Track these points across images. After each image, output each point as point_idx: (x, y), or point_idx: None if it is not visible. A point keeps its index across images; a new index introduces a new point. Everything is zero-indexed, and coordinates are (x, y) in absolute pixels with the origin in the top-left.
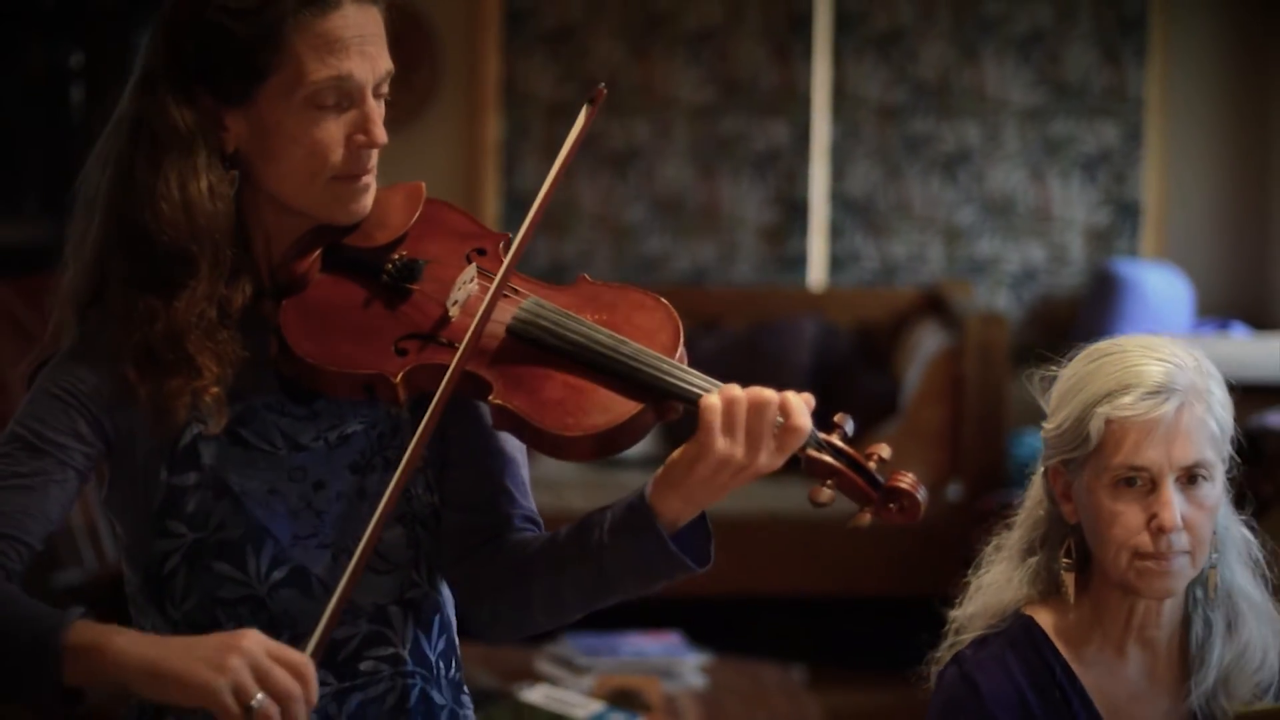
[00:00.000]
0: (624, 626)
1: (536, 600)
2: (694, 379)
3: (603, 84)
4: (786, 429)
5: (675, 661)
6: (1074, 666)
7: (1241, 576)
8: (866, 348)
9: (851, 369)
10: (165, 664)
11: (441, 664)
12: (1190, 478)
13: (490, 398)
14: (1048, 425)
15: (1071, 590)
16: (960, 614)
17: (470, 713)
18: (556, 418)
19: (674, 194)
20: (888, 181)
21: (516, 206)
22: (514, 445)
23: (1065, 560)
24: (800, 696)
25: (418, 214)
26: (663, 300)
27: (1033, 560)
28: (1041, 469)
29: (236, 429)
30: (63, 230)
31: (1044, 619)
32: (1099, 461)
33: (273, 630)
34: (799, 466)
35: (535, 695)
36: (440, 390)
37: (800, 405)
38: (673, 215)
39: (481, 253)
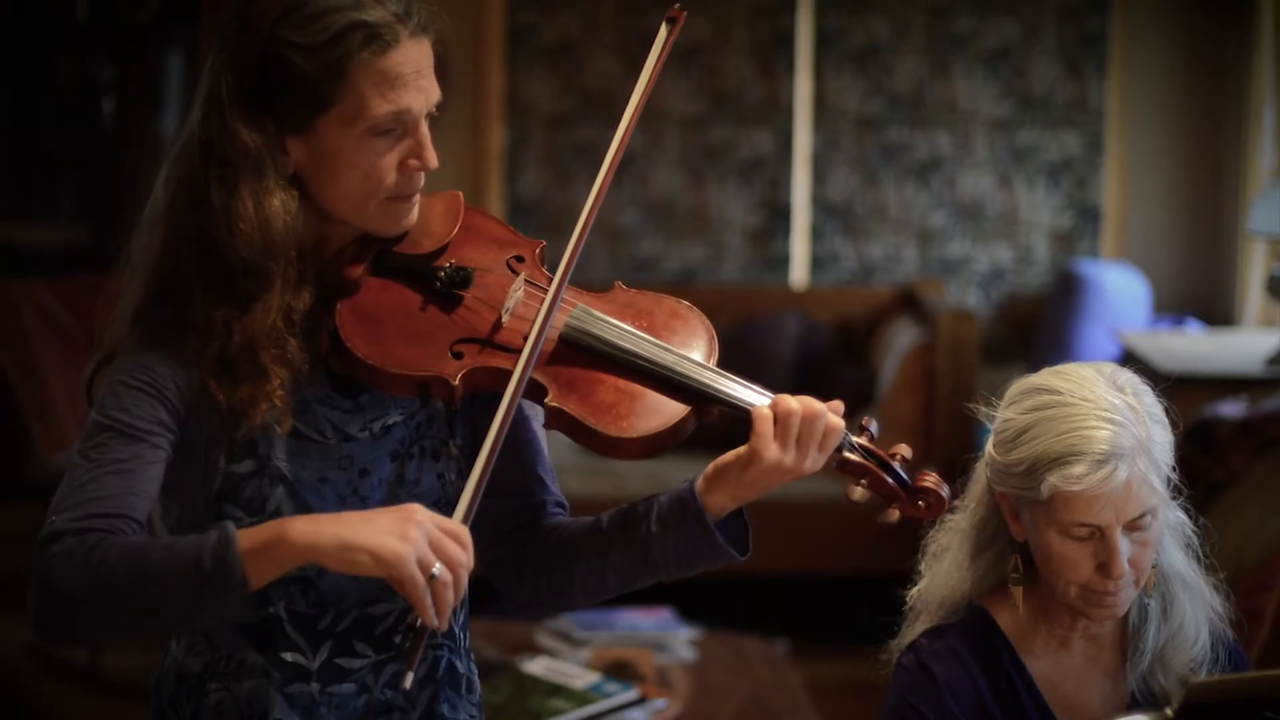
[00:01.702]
0: (619, 603)
1: (579, 582)
2: (742, 388)
3: (679, 3)
4: (829, 437)
5: (667, 636)
6: (1023, 657)
7: (1178, 560)
8: (846, 343)
9: (832, 362)
10: (353, 538)
11: (462, 635)
12: (1137, 525)
13: (546, 400)
14: (995, 454)
15: (1020, 603)
16: (918, 595)
17: (476, 677)
18: (610, 421)
19: (665, 198)
20: (865, 187)
21: (519, 211)
22: (541, 436)
23: (1014, 575)
24: (783, 668)
25: (459, 223)
26: (694, 308)
27: (983, 559)
28: (987, 479)
29: (291, 421)
30: (96, 233)
31: (996, 612)
32: (1048, 513)
33: (320, 608)
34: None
35: (536, 666)
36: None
37: (838, 420)
38: (664, 218)
39: (520, 259)
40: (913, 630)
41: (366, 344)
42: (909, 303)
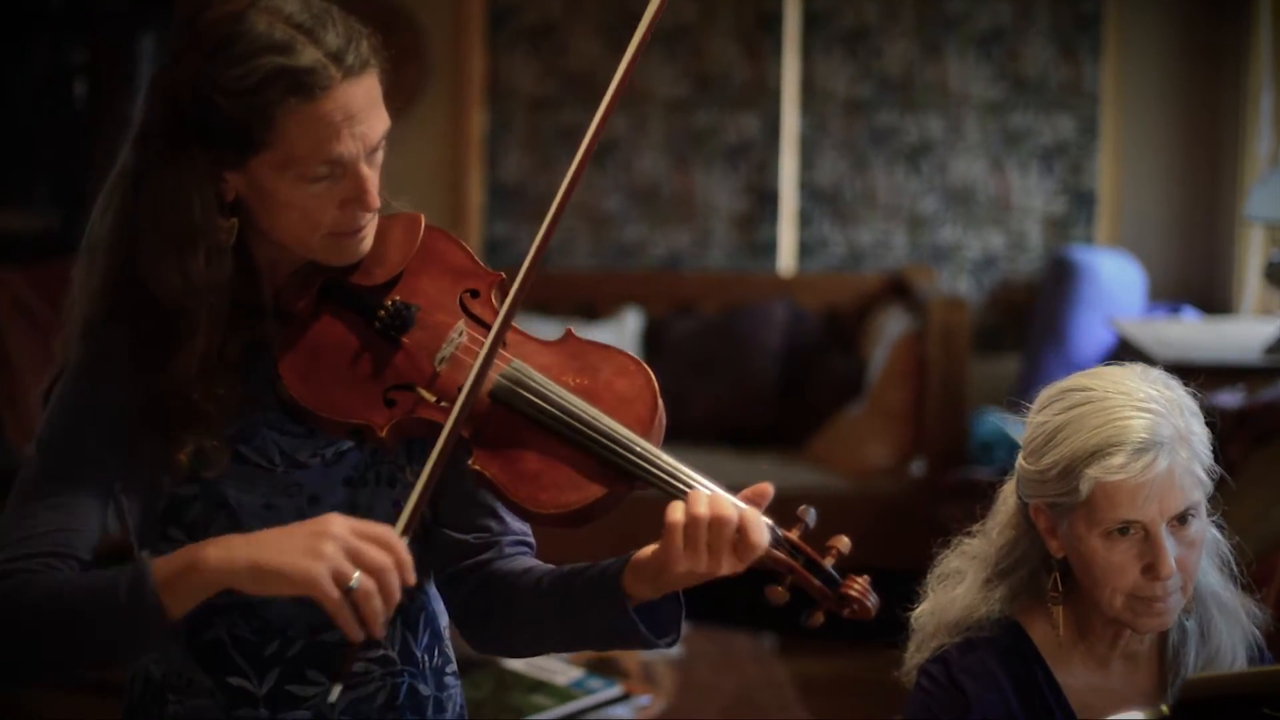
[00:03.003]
0: None
1: (520, 637)
2: (667, 476)
3: None
4: (744, 545)
5: None
6: (1058, 676)
7: (1214, 579)
8: (834, 331)
9: (820, 351)
10: (265, 561)
11: (426, 657)
12: (1180, 520)
13: (469, 463)
14: (1027, 465)
15: (1061, 624)
16: (923, 615)
17: (455, 690)
18: (530, 492)
19: (650, 184)
20: (854, 172)
21: (499, 196)
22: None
23: (1053, 594)
24: (770, 663)
25: (415, 248)
26: (644, 365)
27: (1011, 580)
28: (1019, 499)
29: (237, 445)
30: (69, 220)
31: (1030, 627)
32: (1089, 514)
33: (264, 635)
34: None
35: (517, 662)
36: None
37: (758, 523)
38: (649, 204)
39: (474, 295)
40: (922, 646)
41: (302, 384)
42: (899, 290)
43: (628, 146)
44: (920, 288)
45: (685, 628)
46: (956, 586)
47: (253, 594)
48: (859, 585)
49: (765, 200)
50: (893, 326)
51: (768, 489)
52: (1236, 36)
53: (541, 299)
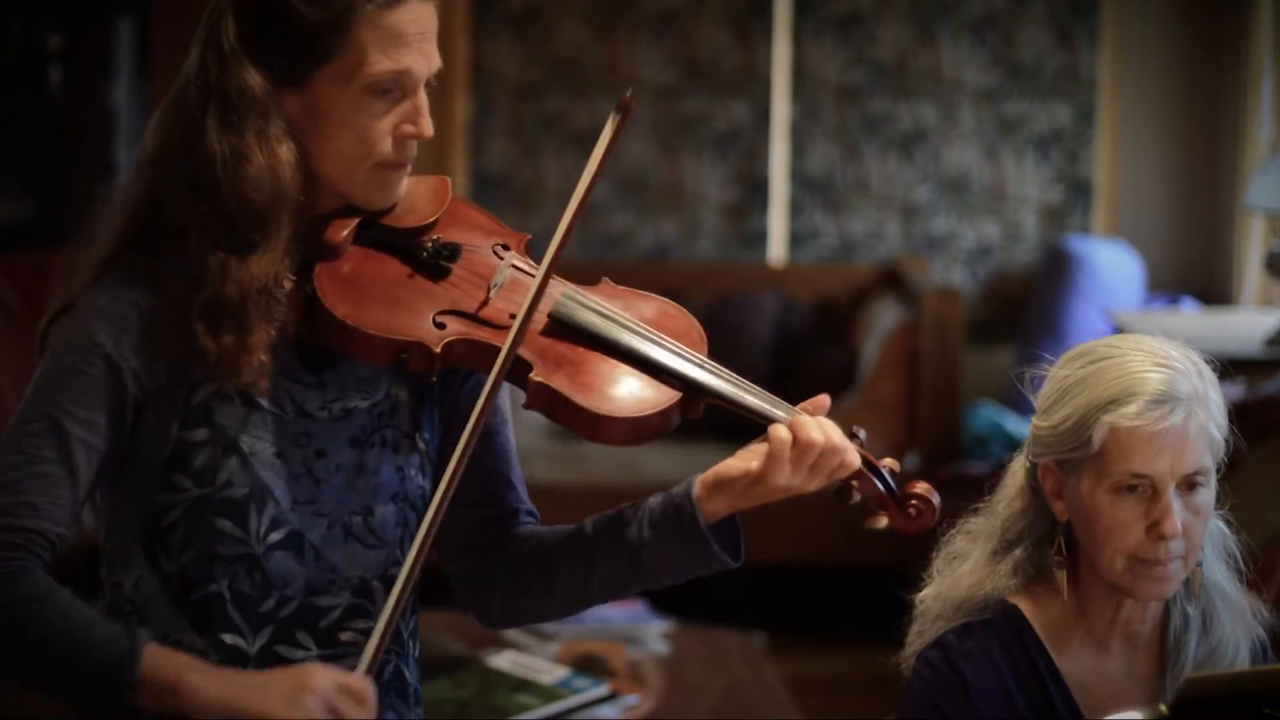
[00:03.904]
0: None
1: (560, 593)
2: (735, 387)
3: (630, 92)
4: (843, 468)
5: (639, 628)
6: (1057, 659)
7: (1219, 572)
8: (825, 322)
9: (811, 343)
10: (244, 704)
11: (412, 642)
12: (1190, 485)
13: (531, 375)
14: (1040, 423)
15: (1065, 588)
16: (927, 597)
17: (419, 688)
18: (597, 399)
19: (637, 172)
20: (846, 160)
21: (485, 186)
22: (512, 442)
23: (1057, 558)
24: (760, 663)
25: (445, 206)
26: (686, 311)
27: (1016, 552)
28: (1027, 463)
29: (249, 390)
30: (43, 209)
31: (1029, 610)
32: (1099, 467)
33: (264, 590)
34: None
35: (502, 661)
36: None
37: (852, 448)
38: (636, 193)
39: (505, 248)
40: (924, 631)
41: (347, 306)
42: (892, 281)
43: None
44: (913, 278)
45: (673, 626)
46: (962, 565)
47: None
48: (921, 485)
49: (755, 189)
50: (885, 318)
51: (826, 400)
52: (1236, 21)
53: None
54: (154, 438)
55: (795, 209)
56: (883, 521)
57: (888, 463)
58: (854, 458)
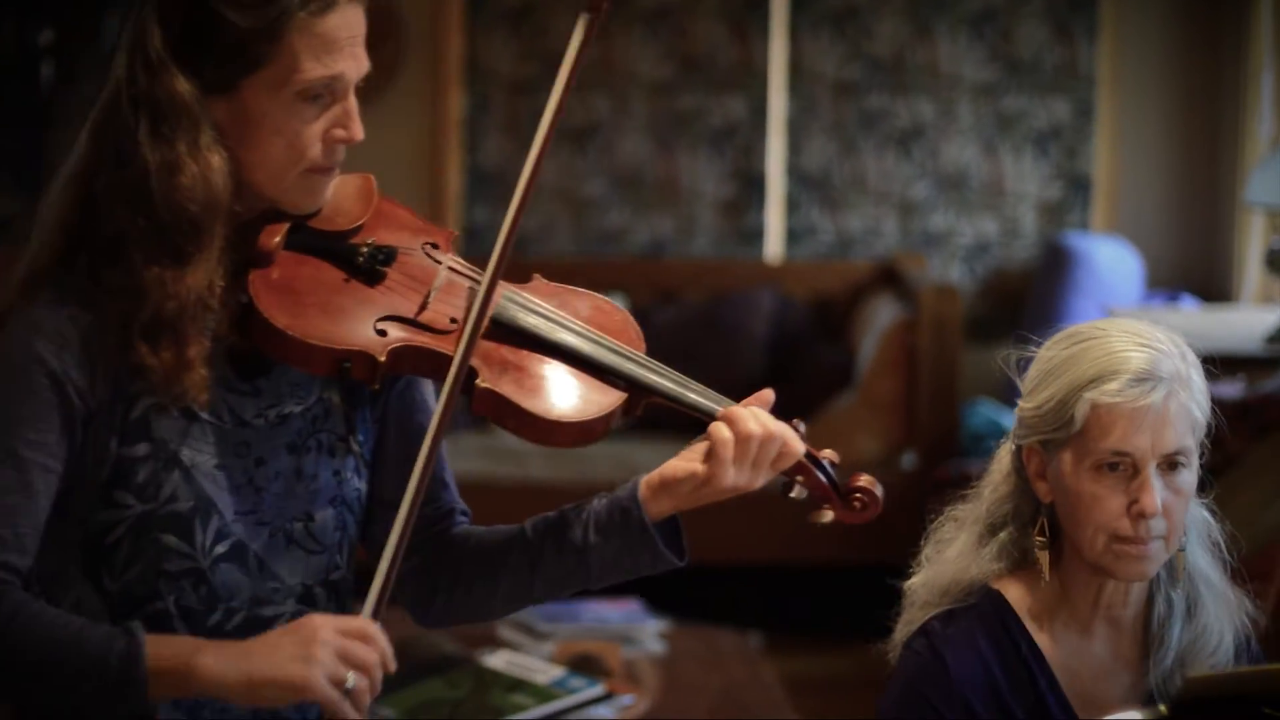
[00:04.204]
0: (584, 594)
1: (502, 593)
2: (679, 386)
3: None
4: (785, 456)
5: (635, 628)
6: (1041, 643)
7: (1203, 559)
8: (822, 320)
9: (808, 341)
10: (259, 673)
11: None
12: (1171, 464)
13: (478, 382)
14: (1025, 404)
15: (1046, 569)
16: (916, 584)
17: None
18: (544, 404)
19: (633, 168)
20: (843, 156)
21: (479, 181)
22: (442, 439)
23: (1039, 539)
24: (756, 662)
25: (373, 204)
26: (619, 306)
27: (1001, 535)
28: (1013, 446)
29: (189, 403)
30: (32, 205)
31: (1012, 595)
32: (1081, 445)
33: (210, 604)
34: None
35: (497, 661)
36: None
37: (793, 434)
38: (632, 189)
39: (435, 246)
40: (912, 619)
41: (286, 316)
42: (889, 278)
43: (610, 130)
44: (911, 276)
45: (669, 626)
46: (949, 550)
47: (244, 705)
48: (865, 478)
49: (752, 185)
50: (883, 315)
51: (769, 393)
52: (1236, 17)
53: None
54: (94, 455)
55: (792, 205)
56: (828, 515)
57: (827, 454)
58: (796, 443)
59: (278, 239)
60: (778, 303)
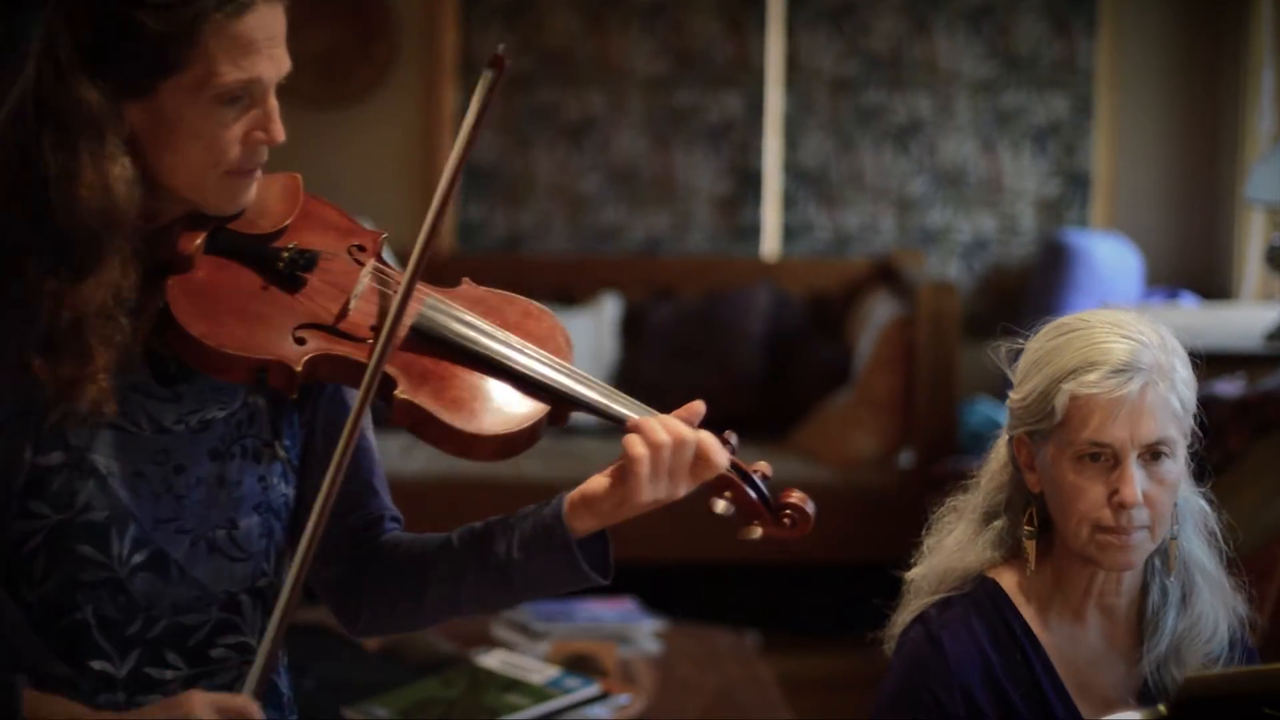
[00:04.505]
0: (579, 593)
1: (429, 606)
2: (604, 397)
3: (502, 46)
4: (703, 464)
5: (630, 627)
6: (1036, 630)
7: (1198, 548)
8: (819, 317)
9: (804, 338)
10: None
11: (282, 653)
12: (1153, 454)
13: (396, 393)
14: (1013, 395)
15: (1033, 558)
16: (917, 575)
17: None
18: (465, 417)
19: (629, 165)
20: (840, 152)
21: (474, 178)
22: (374, 444)
23: (1028, 528)
24: (754, 662)
25: (299, 204)
26: (547, 310)
27: (996, 524)
28: (1006, 437)
29: (115, 406)
30: None
31: (1007, 583)
32: (1063, 435)
33: (129, 613)
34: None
35: (491, 660)
36: (365, 384)
37: (713, 440)
38: (627, 186)
39: (361, 249)
40: (910, 608)
41: (202, 323)
42: (887, 275)
43: (606, 126)
44: (909, 272)
45: (665, 625)
46: (948, 539)
47: None
48: (796, 494)
49: (748, 182)
50: (880, 312)
51: (700, 405)
52: (1236, 11)
53: (516, 284)
54: (6, 465)
55: (789, 202)
56: (757, 531)
57: (760, 467)
58: (716, 452)
59: (197, 243)
60: (774, 300)
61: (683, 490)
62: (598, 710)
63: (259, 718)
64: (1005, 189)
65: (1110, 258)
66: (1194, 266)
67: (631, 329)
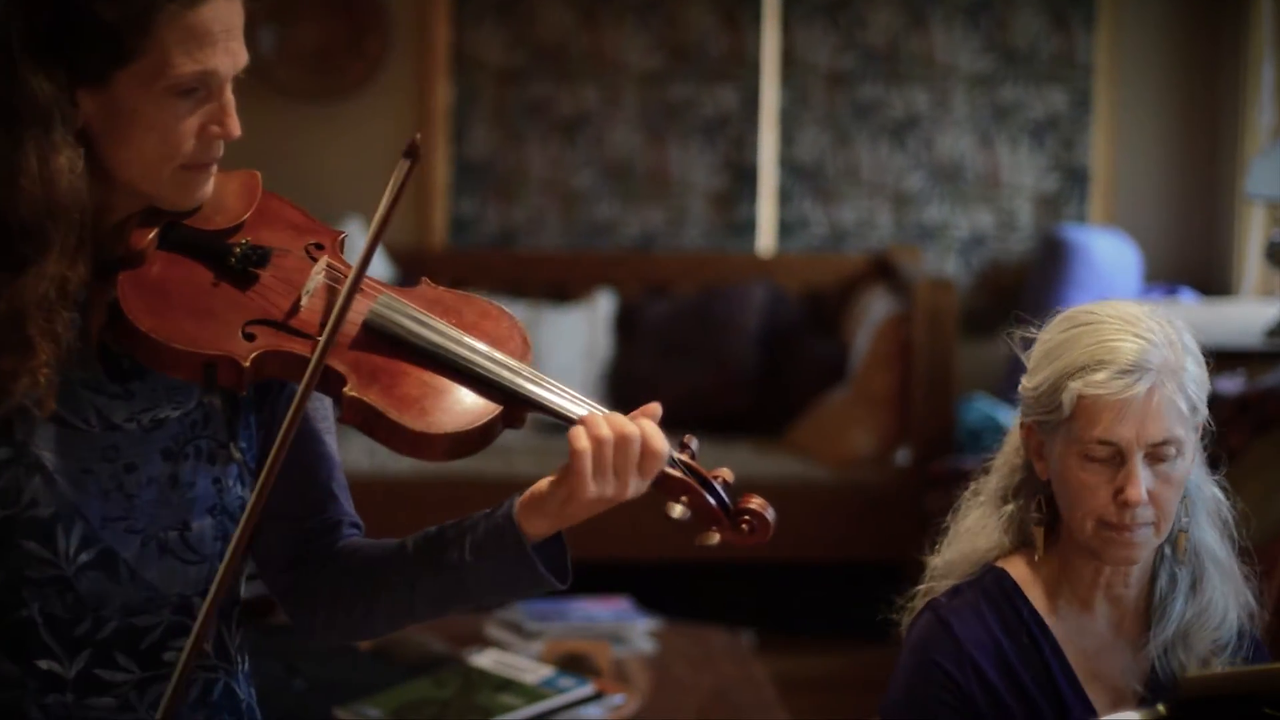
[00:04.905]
0: (573, 592)
1: (382, 612)
2: (557, 395)
3: (418, 135)
4: (648, 458)
5: (624, 627)
6: (1044, 617)
7: (1210, 536)
8: (815, 313)
9: (800, 335)
10: None
11: (239, 657)
12: (1159, 453)
13: (345, 390)
14: (1025, 383)
15: (1041, 546)
16: (938, 560)
17: (256, 705)
18: (415, 415)
19: (623, 160)
20: (836, 147)
21: (466, 173)
22: (334, 449)
23: (1035, 515)
24: (749, 661)
25: (256, 201)
26: (505, 310)
27: (1007, 509)
28: (1019, 423)
29: (54, 403)
30: None
31: (1015, 571)
32: (1070, 431)
33: (77, 613)
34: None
35: (484, 660)
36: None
37: (658, 432)
38: (622, 181)
39: (319, 247)
40: (930, 592)
41: (151, 318)
42: (883, 271)
43: (599, 120)
44: (906, 268)
45: (659, 624)
46: (964, 523)
47: None
48: (756, 500)
49: (743, 177)
50: (877, 309)
51: (656, 407)
52: (1236, 5)
53: (510, 280)
54: None
55: (784, 197)
56: (715, 537)
57: (721, 473)
58: (658, 444)
59: (150, 237)
60: (770, 296)
61: (632, 488)
62: (592, 710)
63: None
64: (1003, 184)
65: (1109, 254)
66: (1193, 262)
67: (626, 325)
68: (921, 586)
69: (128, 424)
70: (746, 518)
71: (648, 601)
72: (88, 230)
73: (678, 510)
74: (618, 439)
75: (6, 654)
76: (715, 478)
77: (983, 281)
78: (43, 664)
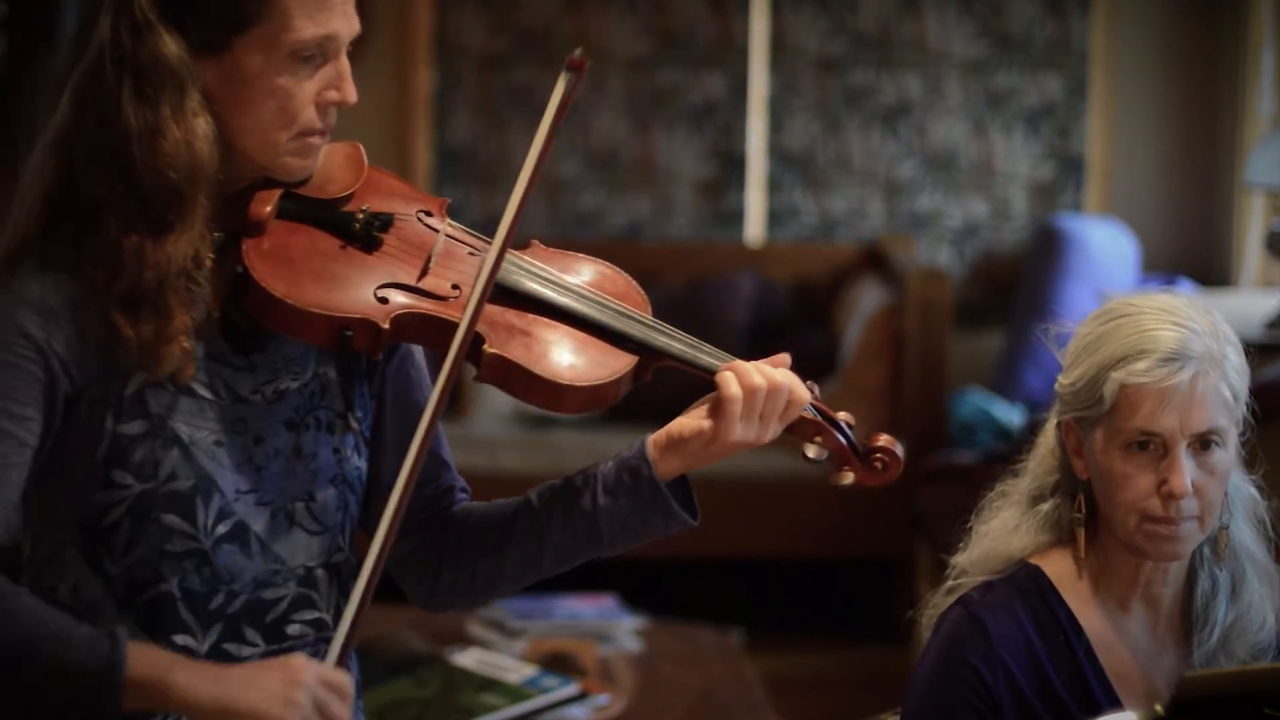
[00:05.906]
0: (558, 589)
1: (510, 568)
2: (691, 347)
3: (579, 50)
4: (791, 404)
5: (610, 625)
6: (1079, 618)
7: (1248, 536)
8: (805, 304)
9: (790, 326)
10: (233, 701)
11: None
12: (1203, 444)
13: (485, 347)
14: (1062, 380)
15: (1082, 544)
16: (963, 559)
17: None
18: (554, 368)
19: (609, 148)
20: (827, 135)
21: (448, 160)
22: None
23: (1077, 515)
24: (737, 660)
25: (364, 174)
26: (621, 270)
27: (1043, 507)
28: (1055, 421)
29: (180, 378)
30: None
31: (1051, 569)
32: (1112, 424)
33: (213, 586)
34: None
35: (467, 659)
36: (456, 345)
37: (798, 381)
38: (608, 169)
39: (428, 214)
40: (952, 593)
41: (284, 284)
42: (875, 261)
43: (585, 108)
44: (897, 259)
45: (646, 623)
46: (993, 522)
47: None
48: (884, 438)
49: (732, 165)
50: (868, 300)
51: (787, 357)
52: None
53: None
54: (88, 434)
55: (774, 186)
56: (849, 477)
57: (843, 416)
58: (802, 391)
59: (269, 208)
60: (759, 286)
61: (771, 433)
62: (576, 710)
63: (352, 695)
64: (997, 173)
65: (1105, 244)
66: (1192, 253)
67: None
68: (945, 585)
69: (253, 396)
70: (879, 454)
71: (633, 599)
72: (219, 199)
73: (814, 451)
74: (770, 388)
75: (144, 630)
76: (840, 419)
77: (976, 272)
78: (178, 639)
